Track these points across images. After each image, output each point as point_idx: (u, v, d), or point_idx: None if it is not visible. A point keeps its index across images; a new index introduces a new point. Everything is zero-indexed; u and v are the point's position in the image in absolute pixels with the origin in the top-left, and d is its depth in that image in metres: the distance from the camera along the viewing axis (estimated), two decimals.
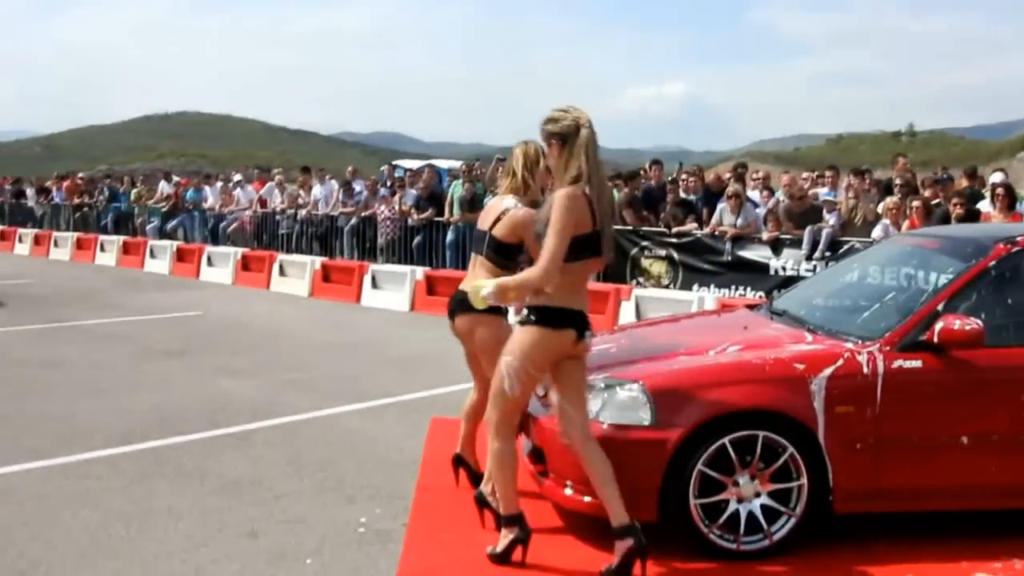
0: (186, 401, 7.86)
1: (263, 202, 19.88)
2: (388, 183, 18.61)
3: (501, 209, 5.04)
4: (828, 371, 4.60)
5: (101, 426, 7.00)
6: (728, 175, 15.19)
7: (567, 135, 4.29)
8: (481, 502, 4.94)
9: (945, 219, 10.59)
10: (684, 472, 4.48)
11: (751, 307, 6.50)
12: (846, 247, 11.30)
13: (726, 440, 4.48)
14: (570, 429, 4.44)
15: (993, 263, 4.90)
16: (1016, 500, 4.88)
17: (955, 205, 10.57)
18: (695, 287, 13.00)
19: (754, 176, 15.02)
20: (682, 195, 14.03)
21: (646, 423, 4.55)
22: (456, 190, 15.75)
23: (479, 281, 4.50)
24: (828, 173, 13.90)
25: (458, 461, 5.53)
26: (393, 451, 6.47)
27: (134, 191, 23.48)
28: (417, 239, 16.12)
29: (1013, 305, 5.00)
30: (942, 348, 4.64)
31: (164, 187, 23.04)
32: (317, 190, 18.72)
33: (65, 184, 26.50)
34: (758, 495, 4.56)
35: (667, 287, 13.29)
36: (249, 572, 4.46)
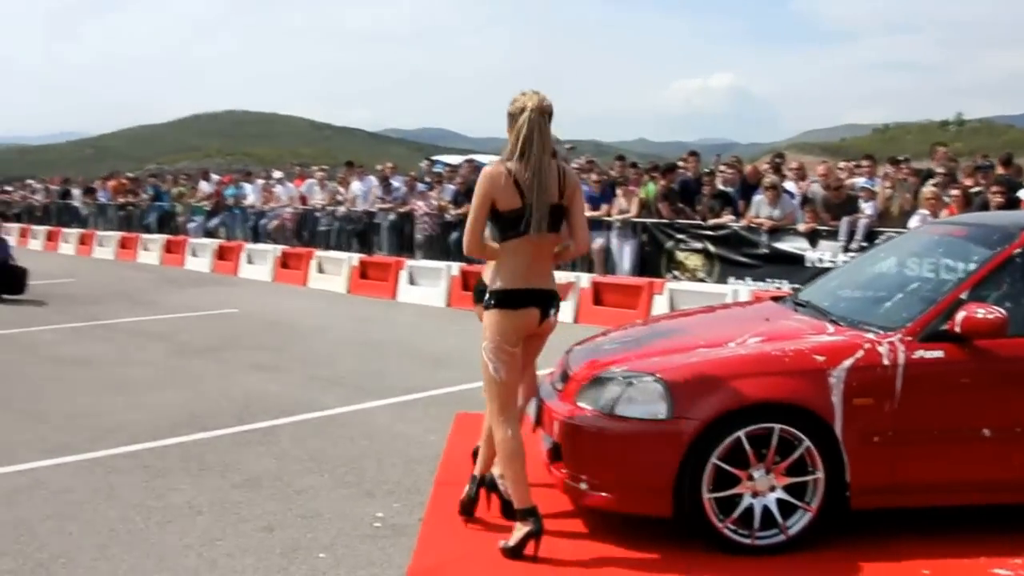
0: (215, 398, 7.92)
1: (303, 199, 19.99)
2: (426, 179, 18.63)
3: None
4: (847, 363, 4.50)
5: (129, 422, 7.07)
6: (765, 166, 15.03)
7: (514, 115, 4.49)
8: (491, 486, 4.98)
9: (984, 207, 10.39)
10: (699, 466, 4.42)
11: (776, 299, 6.41)
12: (883, 238, 11.12)
13: (741, 433, 4.41)
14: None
15: (1019, 250, 4.78)
16: None
17: (995, 193, 10.37)
18: (731, 280, 12.91)
19: (792, 167, 14.84)
20: (719, 187, 13.91)
21: (662, 416, 4.50)
22: None
23: None
24: (865, 163, 13.70)
25: (477, 455, 5.51)
26: (415, 446, 6.46)
27: (175, 190, 23.72)
28: (455, 234, 16.12)
29: None
30: (964, 338, 4.53)
31: (204, 186, 23.26)
32: (356, 186, 18.77)
33: (110, 184, 26.87)
34: (773, 489, 4.48)
35: (703, 280, 13.19)
36: (263, 565, 4.47)
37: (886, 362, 4.52)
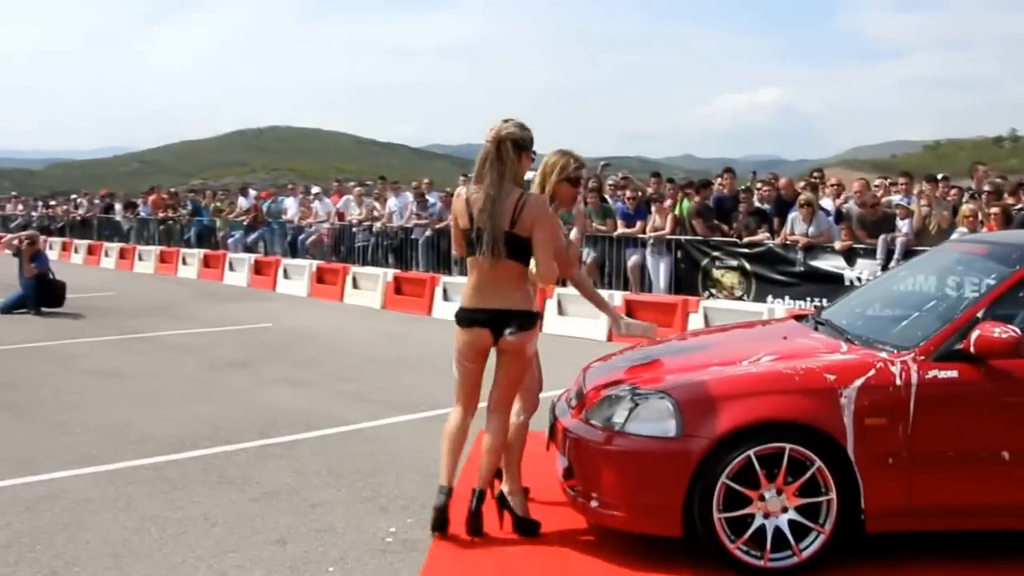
0: (240, 411, 7.98)
1: (340, 215, 20.13)
2: None
3: None
4: (859, 382, 4.44)
5: (154, 434, 7.15)
6: (802, 183, 14.89)
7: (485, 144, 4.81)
8: (501, 503, 5.03)
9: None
10: (709, 485, 4.37)
11: (799, 317, 6.34)
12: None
13: (751, 452, 4.36)
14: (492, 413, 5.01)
15: None
16: None
17: None
18: (769, 299, 12.77)
19: (830, 184, 14.67)
20: (756, 204, 13.81)
21: (671, 434, 4.46)
22: None
23: None
24: (901, 180, 13.53)
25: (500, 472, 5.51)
26: (435, 462, 6.38)
27: (213, 205, 23.97)
28: None
29: None
30: (979, 358, 4.43)
31: (242, 202, 23.48)
32: (392, 202, 18.88)
33: (151, 199, 27.21)
34: (785, 510, 4.41)
35: (740, 298, 13.07)
36: None
37: (898, 382, 4.44)
